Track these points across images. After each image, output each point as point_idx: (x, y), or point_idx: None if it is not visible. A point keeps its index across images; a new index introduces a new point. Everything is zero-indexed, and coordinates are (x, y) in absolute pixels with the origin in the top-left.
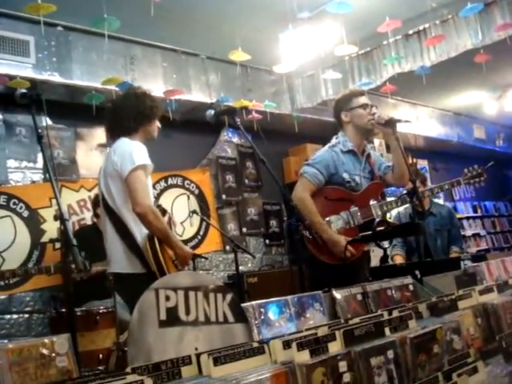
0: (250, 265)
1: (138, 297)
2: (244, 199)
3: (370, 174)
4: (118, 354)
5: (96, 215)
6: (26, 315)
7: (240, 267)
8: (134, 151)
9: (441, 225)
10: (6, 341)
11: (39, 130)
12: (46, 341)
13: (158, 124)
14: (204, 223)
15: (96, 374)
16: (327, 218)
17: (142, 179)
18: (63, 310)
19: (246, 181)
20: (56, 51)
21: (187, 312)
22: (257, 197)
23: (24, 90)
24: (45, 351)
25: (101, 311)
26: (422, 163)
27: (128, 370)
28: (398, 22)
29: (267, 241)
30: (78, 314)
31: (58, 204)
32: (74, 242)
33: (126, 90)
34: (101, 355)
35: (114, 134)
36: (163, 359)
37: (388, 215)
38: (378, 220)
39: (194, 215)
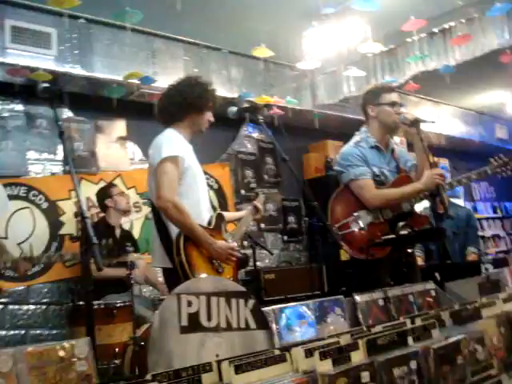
0: (267, 261)
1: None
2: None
3: (396, 168)
4: (134, 349)
5: (105, 208)
6: (44, 307)
7: (257, 263)
8: (164, 143)
9: (458, 227)
10: (23, 331)
11: (60, 123)
12: (66, 344)
13: (209, 117)
14: None
15: (116, 381)
16: (355, 213)
17: (168, 172)
18: (80, 302)
19: (266, 176)
20: (78, 44)
21: (209, 318)
22: (276, 193)
23: (46, 85)
24: (64, 355)
25: (118, 305)
26: (443, 162)
27: (148, 377)
28: (423, 21)
29: (285, 237)
30: (96, 307)
31: (79, 201)
32: (95, 240)
33: (184, 77)
34: (117, 349)
35: (162, 120)
36: (184, 366)
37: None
38: (406, 212)
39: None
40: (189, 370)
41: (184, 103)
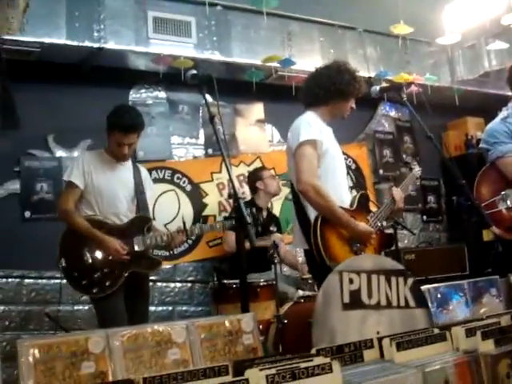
0: (406, 241)
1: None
2: (401, 174)
3: None
4: (278, 326)
5: (255, 190)
6: (189, 284)
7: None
8: (301, 127)
9: None
10: (170, 308)
11: (210, 110)
12: (233, 319)
13: (352, 105)
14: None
15: (282, 354)
16: (503, 192)
17: (307, 155)
18: (225, 281)
19: (404, 155)
20: (216, 30)
21: (369, 295)
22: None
23: (194, 71)
24: (232, 329)
25: (261, 284)
26: None
27: (313, 351)
28: None
29: (425, 217)
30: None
31: (232, 182)
32: (249, 219)
33: (333, 61)
34: (261, 326)
35: (305, 102)
36: (346, 342)
37: None
38: None
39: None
40: (351, 345)
41: (332, 88)
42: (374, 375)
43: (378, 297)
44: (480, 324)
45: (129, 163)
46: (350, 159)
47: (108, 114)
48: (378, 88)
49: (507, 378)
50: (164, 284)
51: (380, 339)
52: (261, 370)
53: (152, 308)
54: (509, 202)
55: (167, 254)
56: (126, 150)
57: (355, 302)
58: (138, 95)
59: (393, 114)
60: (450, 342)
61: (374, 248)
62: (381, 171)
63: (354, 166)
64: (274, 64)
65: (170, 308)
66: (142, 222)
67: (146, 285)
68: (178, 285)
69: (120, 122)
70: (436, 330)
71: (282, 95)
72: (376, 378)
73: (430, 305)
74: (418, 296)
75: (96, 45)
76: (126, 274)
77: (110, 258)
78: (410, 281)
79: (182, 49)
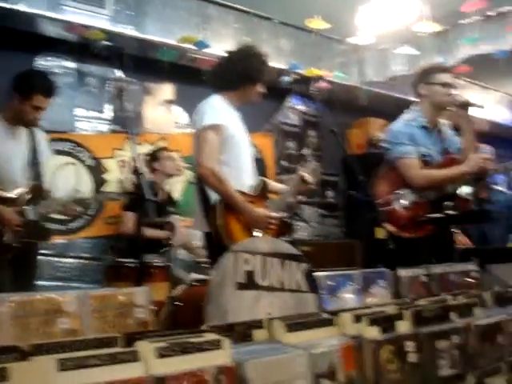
0: (302, 233)
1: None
2: (302, 167)
3: (443, 150)
4: (170, 308)
5: (153, 170)
6: (83, 261)
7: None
8: (207, 111)
9: (498, 213)
10: (61, 283)
11: (119, 85)
12: (126, 291)
13: (260, 89)
14: None
15: (173, 329)
16: (399, 191)
17: (208, 140)
18: (119, 259)
19: (307, 149)
20: (133, 5)
21: (263, 277)
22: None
23: (107, 43)
24: (124, 301)
25: (155, 264)
26: (486, 148)
27: (205, 327)
28: (484, 2)
29: (322, 211)
30: (134, 265)
31: (135, 158)
32: (149, 195)
33: (242, 45)
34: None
35: (214, 86)
36: (238, 321)
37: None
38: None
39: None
40: (242, 324)
41: (243, 73)
42: (262, 354)
43: (272, 279)
44: (367, 311)
45: (24, 130)
46: (254, 148)
47: (20, 77)
48: (287, 78)
49: (389, 363)
50: (56, 259)
51: (271, 320)
52: (151, 342)
53: (42, 282)
54: (403, 201)
55: (62, 228)
56: (40, 114)
57: (249, 282)
58: (44, 62)
59: (300, 107)
60: (338, 327)
61: (271, 235)
62: (283, 163)
63: (257, 156)
64: (188, 45)
65: (62, 284)
66: (35, 190)
67: (34, 258)
68: (71, 260)
69: (43, 85)
70: (325, 315)
71: (193, 78)
72: (264, 357)
73: (320, 291)
74: (310, 281)
75: (4, 5)
76: (17, 245)
77: (1, 227)
78: (304, 266)
79: (96, 20)
